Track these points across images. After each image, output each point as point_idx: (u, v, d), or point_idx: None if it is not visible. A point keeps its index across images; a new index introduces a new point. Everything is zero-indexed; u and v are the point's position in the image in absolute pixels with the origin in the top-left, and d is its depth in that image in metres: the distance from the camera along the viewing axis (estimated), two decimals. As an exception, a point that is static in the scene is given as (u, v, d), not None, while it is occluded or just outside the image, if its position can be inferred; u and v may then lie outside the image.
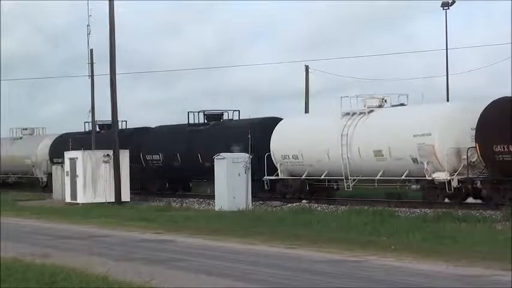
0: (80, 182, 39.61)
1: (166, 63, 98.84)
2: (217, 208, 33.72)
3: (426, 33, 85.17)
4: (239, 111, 42.26)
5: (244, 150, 36.34)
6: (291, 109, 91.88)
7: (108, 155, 39.78)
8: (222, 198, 33.90)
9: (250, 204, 33.86)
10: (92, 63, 45.43)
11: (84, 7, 44.08)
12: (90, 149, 42.07)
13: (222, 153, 35.05)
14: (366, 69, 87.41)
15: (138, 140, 44.87)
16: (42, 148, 54.31)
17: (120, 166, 39.07)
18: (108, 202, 38.49)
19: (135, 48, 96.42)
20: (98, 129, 48.17)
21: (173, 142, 42.68)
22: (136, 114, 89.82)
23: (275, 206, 34.50)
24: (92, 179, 39.60)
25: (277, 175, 37.00)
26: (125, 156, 40.13)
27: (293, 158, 36.24)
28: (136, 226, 26.91)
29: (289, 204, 34.56)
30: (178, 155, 42.21)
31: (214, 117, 42.44)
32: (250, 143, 37.25)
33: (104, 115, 48.19)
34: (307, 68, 56.83)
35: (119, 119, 42.32)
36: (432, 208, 29.66)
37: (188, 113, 42.85)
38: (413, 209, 30.04)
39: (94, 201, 38.64)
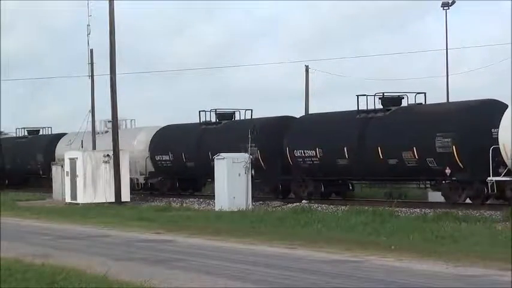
0: (80, 182, 39.62)
1: (170, 63, 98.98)
2: (217, 208, 33.72)
3: (431, 33, 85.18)
4: (425, 93, 33.95)
5: (457, 142, 29.80)
6: (294, 109, 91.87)
7: (108, 155, 39.79)
8: (222, 198, 33.89)
9: (250, 204, 33.85)
10: (92, 63, 45.47)
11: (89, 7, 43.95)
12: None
13: (221, 153, 35.01)
14: (368, 70, 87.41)
15: (278, 133, 36.80)
16: (139, 143, 45.08)
17: (120, 166, 39.06)
18: (108, 202, 38.51)
19: (139, 48, 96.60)
20: (216, 120, 41.95)
21: (336, 134, 34.21)
22: (141, 113, 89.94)
23: (275, 206, 34.48)
24: (92, 179, 39.60)
25: (506, 175, 28.38)
26: (124, 156, 40.12)
27: None
28: (137, 226, 26.91)
29: (289, 204, 34.52)
30: (345, 149, 33.63)
31: (392, 101, 33.93)
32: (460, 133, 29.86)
33: (104, 115, 47.85)
34: (307, 68, 56.91)
35: (123, 118, 42.13)
36: (432, 208, 29.62)
37: (357, 96, 34.20)
38: (413, 209, 30.01)
39: (94, 201, 38.66)
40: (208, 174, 38.18)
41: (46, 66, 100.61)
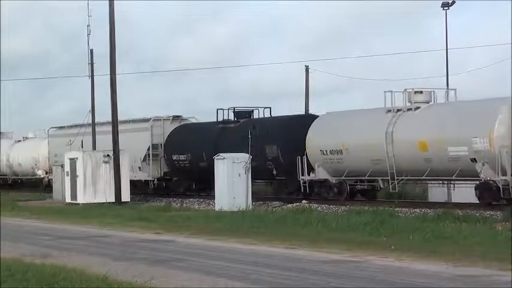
0: (80, 182, 39.64)
1: (177, 62, 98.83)
2: (217, 208, 33.73)
3: (438, 33, 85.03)
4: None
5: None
6: (298, 109, 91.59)
7: (108, 155, 39.80)
8: (222, 198, 33.90)
9: (250, 205, 33.87)
10: (91, 63, 45.54)
11: (97, 7, 44.03)
12: None
13: (221, 153, 35.02)
14: (372, 69, 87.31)
15: None
16: (501, 126, 28.63)
17: (120, 166, 39.07)
18: (108, 202, 38.53)
19: (147, 47, 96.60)
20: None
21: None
22: (143, 114, 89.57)
23: (275, 206, 34.48)
24: (92, 179, 39.61)
25: None
26: (124, 156, 40.12)
27: None
28: (137, 226, 26.92)
29: (289, 204, 34.53)
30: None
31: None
32: None
33: (104, 115, 47.24)
34: (307, 68, 57.05)
35: (123, 118, 41.98)
36: (432, 208, 29.64)
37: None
38: (413, 209, 30.03)
39: (94, 202, 38.68)
40: None
41: (55, 66, 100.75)
